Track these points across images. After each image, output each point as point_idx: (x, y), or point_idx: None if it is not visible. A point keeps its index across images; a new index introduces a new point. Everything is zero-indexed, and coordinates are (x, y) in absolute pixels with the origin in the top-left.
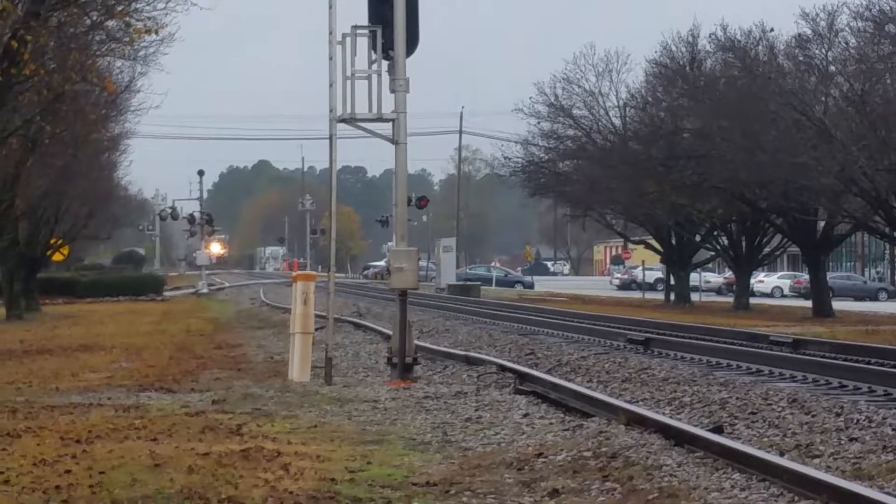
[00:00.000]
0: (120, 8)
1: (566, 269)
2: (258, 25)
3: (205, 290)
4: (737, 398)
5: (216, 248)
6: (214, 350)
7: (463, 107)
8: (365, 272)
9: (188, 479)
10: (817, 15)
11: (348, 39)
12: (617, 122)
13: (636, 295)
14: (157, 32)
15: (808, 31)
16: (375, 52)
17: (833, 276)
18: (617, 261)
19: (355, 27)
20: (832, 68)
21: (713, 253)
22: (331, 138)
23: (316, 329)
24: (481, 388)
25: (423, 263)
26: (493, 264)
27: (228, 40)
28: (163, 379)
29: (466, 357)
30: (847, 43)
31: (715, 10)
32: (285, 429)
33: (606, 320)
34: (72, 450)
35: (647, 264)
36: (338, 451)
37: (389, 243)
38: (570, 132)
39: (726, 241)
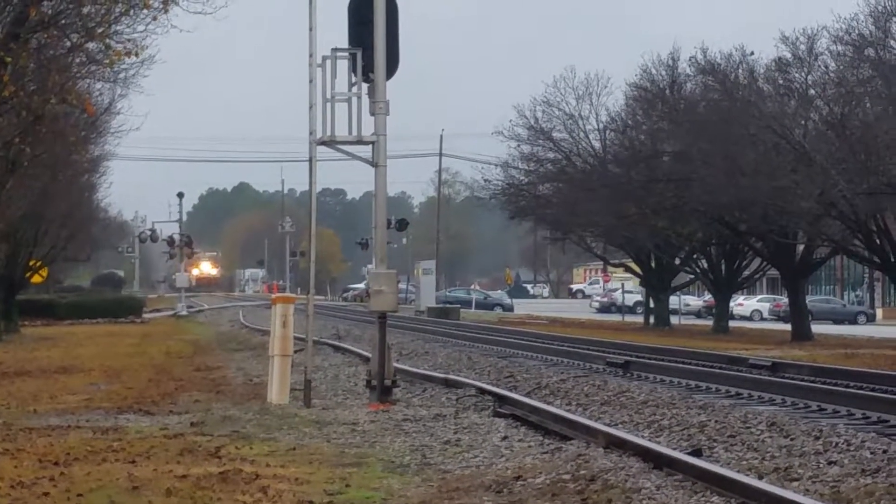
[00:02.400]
0: (100, 30)
1: (545, 291)
2: (238, 48)
3: (184, 313)
4: (716, 421)
5: (206, 268)
6: (193, 372)
7: (443, 129)
8: (345, 294)
9: (166, 501)
10: (797, 39)
11: (328, 62)
12: (597, 144)
13: (616, 318)
14: (137, 54)
15: (788, 55)
16: (356, 74)
17: (812, 300)
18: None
19: (335, 50)
20: (812, 92)
21: (693, 276)
22: (311, 160)
23: (295, 351)
24: (460, 410)
25: (402, 286)
26: (472, 287)
27: (209, 62)
28: (141, 401)
29: (445, 380)
30: (827, 66)
31: (695, 34)
32: (264, 451)
33: (586, 343)
34: (50, 472)
35: (627, 287)
36: (316, 474)
37: (369, 266)
38: (550, 155)
39: (706, 264)
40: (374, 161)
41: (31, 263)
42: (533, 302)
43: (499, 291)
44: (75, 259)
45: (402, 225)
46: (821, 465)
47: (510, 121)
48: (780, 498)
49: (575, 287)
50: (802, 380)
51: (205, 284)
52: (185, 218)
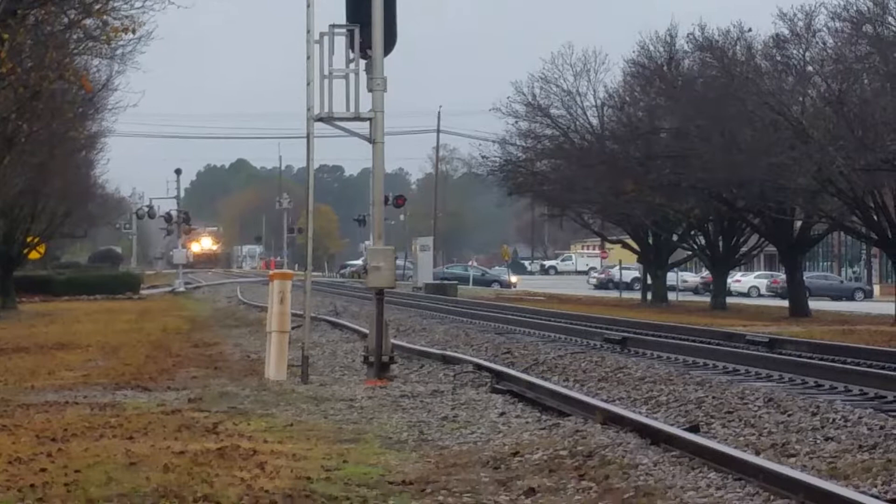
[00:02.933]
0: (97, 6)
1: (534, 267)
2: (236, 24)
3: (181, 289)
4: (713, 397)
5: (207, 243)
6: (191, 348)
7: (441, 106)
8: (342, 271)
9: (164, 477)
10: (795, 15)
11: (326, 38)
12: (594, 121)
13: (613, 294)
14: (134, 31)
15: (786, 32)
16: (353, 51)
17: (810, 276)
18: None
19: (333, 26)
20: (809, 68)
21: (690, 252)
22: (308, 137)
23: (293, 328)
24: (458, 386)
25: (400, 262)
26: (470, 263)
27: (206, 39)
28: (139, 377)
29: (443, 356)
30: (824, 43)
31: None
32: (261, 427)
33: (583, 319)
34: (47, 448)
35: (625, 263)
36: (314, 450)
37: (367, 242)
38: (548, 132)
39: (703, 241)
40: (371, 138)
41: (28, 240)
42: (531, 278)
43: (497, 268)
44: (72, 235)
45: (399, 201)
46: (818, 441)
47: (508, 97)
48: (777, 474)
49: (548, 263)
50: (800, 356)
51: (205, 261)
52: (182, 194)
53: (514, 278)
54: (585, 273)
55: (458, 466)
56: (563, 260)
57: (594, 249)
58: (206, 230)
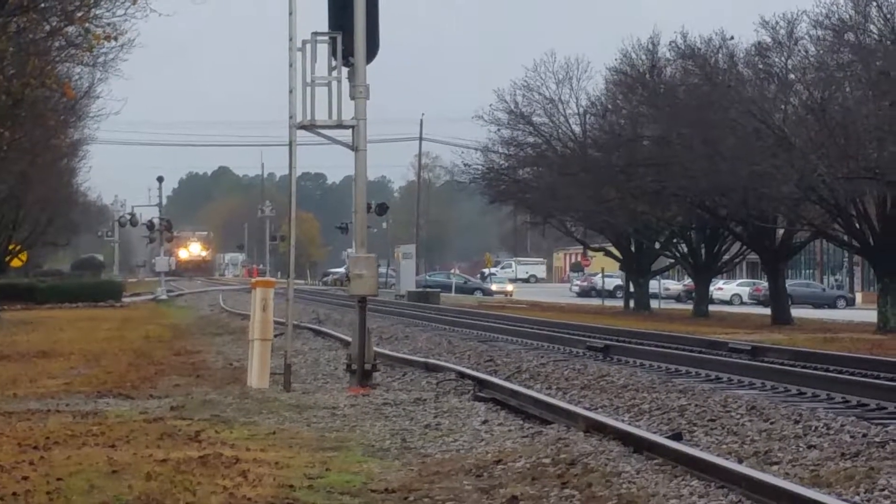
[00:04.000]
0: (79, 14)
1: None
2: (218, 32)
3: (164, 297)
4: (696, 405)
5: (196, 249)
6: (173, 356)
7: (423, 113)
8: (325, 279)
9: (146, 485)
10: (777, 23)
11: (308, 46)
12: (577, 129)
13: (596, 302)
14: (116, 39)
15: (768, 39)
16: (336, 58)
17: (792, 284)
18: (576, 268)
19: (315, 34)
20: (792, 76)
21: (672, 260)
22: (290, 145)
23: (275, 335)
24: (440, 394)
25: (382, 270)
26: (452, 271)
27: (188, 47)
28: (121, 385)
29: (426, 364)
30: (806, 51)
31: (675, 18)
32: (244, 435)
33: (566, 327)
34: (29, 456)
35: (607, 271)
36: (296, 458)
37: (349, 250)
38: (530, 139)
39: (686, 249)
40: (354, 145)
41: (10, 247)
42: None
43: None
44: (55, 243)
45: (381, 209)
46: (800, 449)
47: (490, 105)
48: (759, 482)
49: (487, 271)
50: (782, 364)
51: (193, 268)
52: (164, 202)
53: (509, 286)
54: (526, 281)
55: (440, 474)
56: (502, 268)
57: (538, 256)
58: (195, 235)
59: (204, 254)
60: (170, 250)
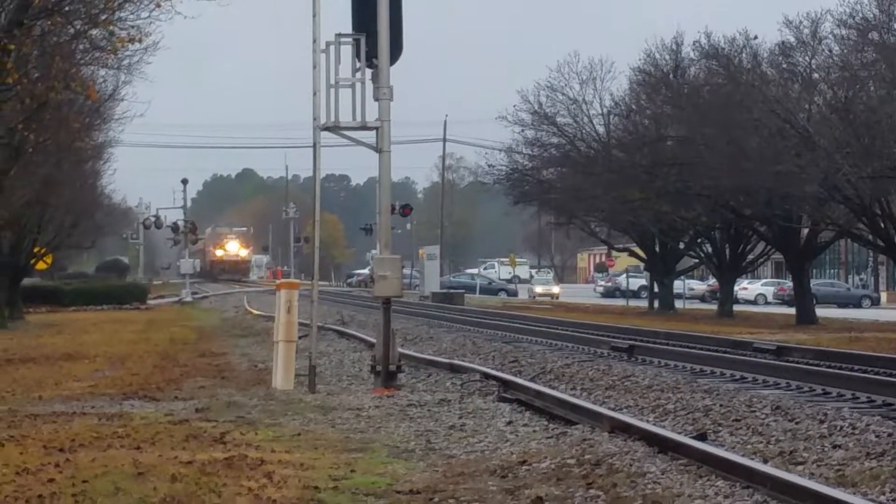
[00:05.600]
0: (104, 17)
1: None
2: (242, 34)
3: (188, 299)
4: (720, 405)
5: (233, 248)
6: (198, 358)
7: (447, 115)
8: (349, 280)
9: (171, 487)
10: (801, 23)
11: (332, 48)
12: (601, 129)
13: (620, 302)
14: (140, 41)
15: (792, 39)
16: (359, 60)
17: (817, 284)
18: (601, 268)
19: (339, 35)
20: (816, 76)
21: (697, 260)
22: (315, 146)
23: (300, 337)
24: (465, 395)
25: (406, 271)
26: (477, 272)
27: (213, 49)
28: (146, 387)
29: (450, 365)
30: (830, 50)
31: (699, 18)
32: (269, 437)
33: (590, 328)
34: (55, 458)
35: (631, 272)
36: (321, 459)
37: (373, 251)
38: (554, 140)
39: (710, 249)
40: (378, 147)
41: (35, 250)
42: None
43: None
44: (80, 246)
45: (406, 211)
46: (826, 449)
47: (514, 106)
48: (785, 482)
49: (470, 271)
50: (807, 364)
51: (230, 269)
52: (189, 204)
53: (555, 288)
54: (509, 281)
55: (465, 475)
56: (485, 268)
57: (522, 258)
58: (232, 231)
59: (244, 253)
60: (204, 248)
